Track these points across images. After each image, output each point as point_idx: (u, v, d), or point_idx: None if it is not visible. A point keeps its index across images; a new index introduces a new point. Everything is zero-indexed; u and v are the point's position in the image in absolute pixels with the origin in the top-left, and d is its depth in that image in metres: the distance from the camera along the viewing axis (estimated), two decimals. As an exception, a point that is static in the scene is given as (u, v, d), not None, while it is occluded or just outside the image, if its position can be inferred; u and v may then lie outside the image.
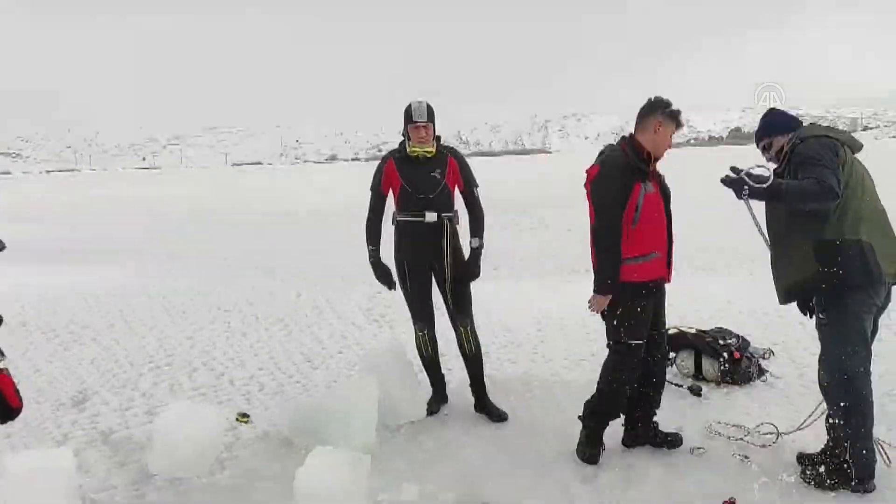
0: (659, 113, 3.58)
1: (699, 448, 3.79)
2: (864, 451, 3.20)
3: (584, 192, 3.67)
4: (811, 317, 3.40)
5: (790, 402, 4.35)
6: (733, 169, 3.21)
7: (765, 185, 3.00)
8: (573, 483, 3.51)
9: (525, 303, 7.33)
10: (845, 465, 3.23)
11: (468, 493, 3.48)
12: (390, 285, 4.41)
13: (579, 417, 3.79)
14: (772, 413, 4.16)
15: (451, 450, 3.96)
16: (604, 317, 3.70)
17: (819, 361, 3.35)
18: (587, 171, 3.66)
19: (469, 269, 4.33)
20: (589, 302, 3.63)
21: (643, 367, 3.72)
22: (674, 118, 3.59)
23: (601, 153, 3.72)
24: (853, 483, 3.20)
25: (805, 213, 3.13)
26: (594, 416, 3.73)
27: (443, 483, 3.57)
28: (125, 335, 6.64)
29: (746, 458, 3.67)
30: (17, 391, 2.43)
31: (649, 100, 3.66)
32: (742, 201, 3.27)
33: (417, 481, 3.57)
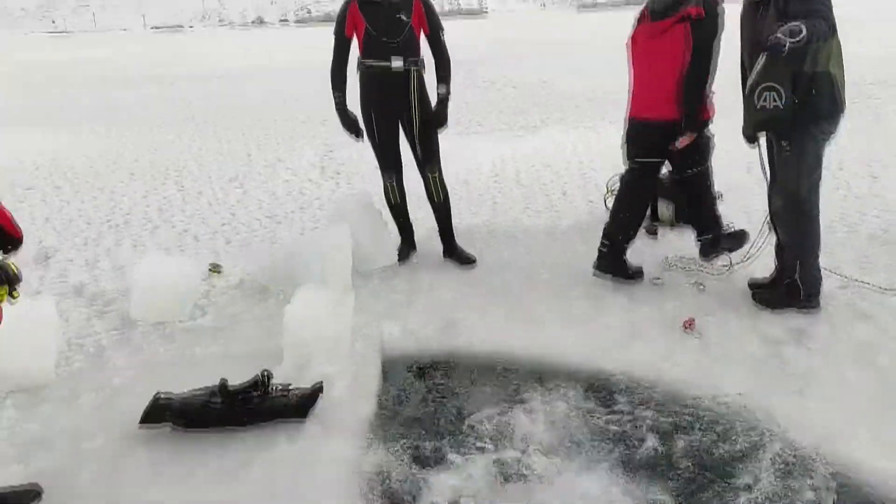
0: None
1: (657, 279, 4.05)
2: (813, 272, 3.49)
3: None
4: (755, 146, 3.53)
5: (741, 238, 4.63)
6: None
7: (802, 43, 3.01)
8: (545, 313, 3.74)
9: (480, 158, 7.37)
10: (793, 287, 3.51)
11: (446, 327, 3.67)
12: (357, 133, 4.38)
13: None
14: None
15: (426, 291, 4.12)
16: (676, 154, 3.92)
17: (773, 191, 3.54)
18: (687, 11, 3.60)
19: (437, 116, 4.30)
20: (681, 141, 3.79)
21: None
22: None
23: None
24: (801, 300, 3.50)
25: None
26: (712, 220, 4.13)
27: (421, 320, 3.75)
28: (74, 196, 6.46)
29: (702, 286, 3.95)
30: (14, 221, 2.39)
31: None
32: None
33: (397, 320, 3.74)
